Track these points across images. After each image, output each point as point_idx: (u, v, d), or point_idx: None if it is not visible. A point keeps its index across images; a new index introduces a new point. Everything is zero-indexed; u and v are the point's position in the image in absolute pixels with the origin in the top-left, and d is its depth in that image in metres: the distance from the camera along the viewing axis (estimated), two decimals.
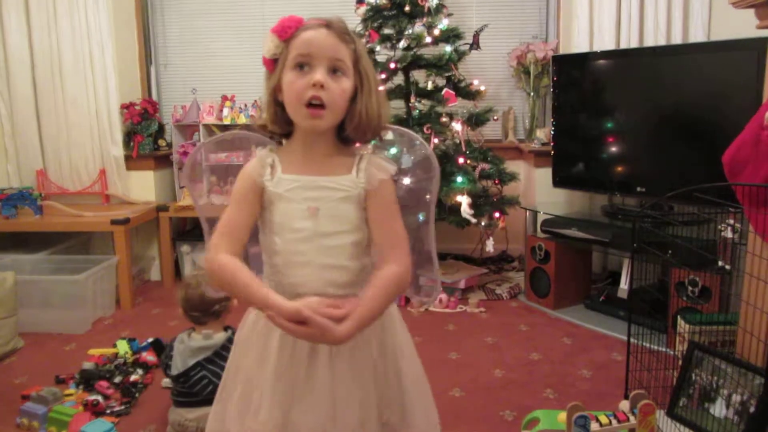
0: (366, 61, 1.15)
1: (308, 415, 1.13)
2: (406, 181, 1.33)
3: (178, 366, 1.88)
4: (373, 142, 1.36)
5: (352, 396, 1.15)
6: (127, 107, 3.50)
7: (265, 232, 1.18)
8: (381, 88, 1.32)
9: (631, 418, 1.55)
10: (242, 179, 1.18)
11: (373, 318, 1.11)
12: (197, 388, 1.85)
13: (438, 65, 3.11)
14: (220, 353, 1.88)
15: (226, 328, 1.97)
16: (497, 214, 3.11)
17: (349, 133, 1.15)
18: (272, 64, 1.14)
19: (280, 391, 1.14)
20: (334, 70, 1.10)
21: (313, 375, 1.14)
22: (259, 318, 1.19)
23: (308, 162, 1.16)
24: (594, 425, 1.52)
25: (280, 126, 1.18)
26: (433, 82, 3.18)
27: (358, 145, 1.21)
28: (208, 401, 1.84)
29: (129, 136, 3.54)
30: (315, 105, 1.09)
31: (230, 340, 1.91)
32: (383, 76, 3.14)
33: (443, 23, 3.13)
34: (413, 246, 1.23)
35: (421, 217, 1.34)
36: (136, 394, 2.18)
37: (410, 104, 3.16)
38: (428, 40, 3.08)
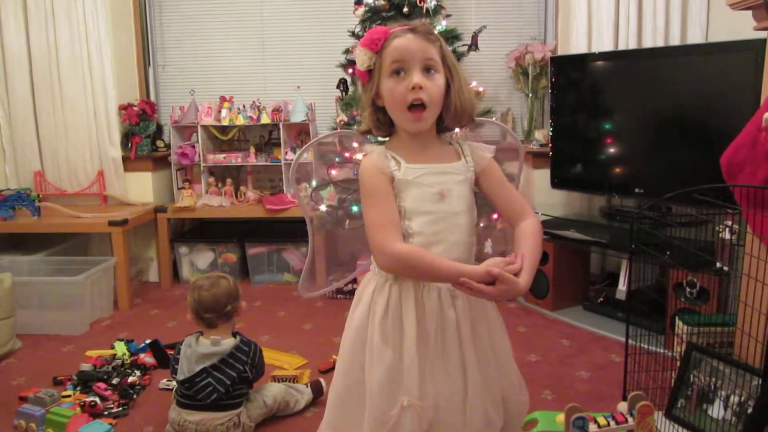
0: (451, 56, 1.26)
1: (442, 386, 1.24)
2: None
3: (184, 371, 1.87)
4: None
5: (480, 365, 1.26)
6: (125, 108, 3.50)
7: None
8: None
9: (630, 419, 1.55)
10: (372, 175, 1.25)
11: (537, 265, 1.24)
12: (202, 394, 1.84)
13: None
14: (227, 360, 1.88)
15: (234, 335, 1.97)
16: (495, 216, 3.10)
17: (447, 123, 1.28)
18: (367, 75, 1.26)
19: (422, 368, 1.23)
20: (427, 69, 1.21)
21: (444, 349, 1.24)
22: (390, 301, 1.26)
23: (424, 153, 1.27)
24: (592, 427, 1.52)
25: (383, 130, 1.30)
26: None
27: (451, 133, 1.35)
28: (211, 407, 1.85)
29: (127, 137, 3.54)
30: (416, 106, 1.20)
31: (238, 348, 1.91)
32: None
33: (442, 24, 3.14)
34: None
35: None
36: (134, 396, 2.17)
37: None
38: None
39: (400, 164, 1.25)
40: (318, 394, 2.12)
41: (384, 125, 1.29)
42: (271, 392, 2.02)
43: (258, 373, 1.99)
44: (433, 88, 1.20)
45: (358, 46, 1.24)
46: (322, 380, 2.15)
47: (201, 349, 1.88)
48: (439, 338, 1.24)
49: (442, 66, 1.23)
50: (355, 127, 1.40)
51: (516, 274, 1.16)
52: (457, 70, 1.25)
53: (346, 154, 1.41)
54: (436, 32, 1.26)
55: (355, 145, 1.40)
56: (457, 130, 1.36)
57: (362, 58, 1.23)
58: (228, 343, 1.91)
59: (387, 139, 1.34)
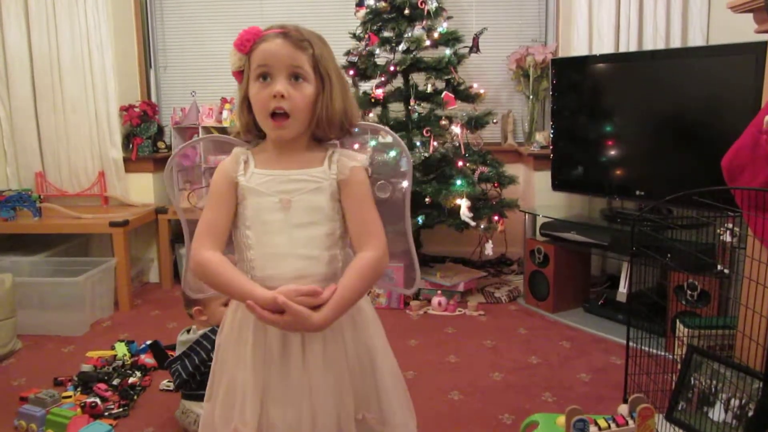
0: (327, 62, 1.17)
1: (285, 410, 1.16)
2: (405, 184, 1.34)
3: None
4: (372, 143, 1.39)
5: (327, 389, 1.18)
6: (126, 109, 3.50)
7: (237, 226, 1.21)
8: (349, 85, 1.35)
9: (630, 422, 1.55)
10: (218, 176, 1.21)
11: (350, 304, 1.15)
12: (173, 380, 1.92)
13: (437, 68, 3.12)
14: (193, 347, 1.92)
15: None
16: (496, 218, 3.11)
17: (316, 133, 1.20)
18: (240, 76, 1.19)
19: (259, 388, 1.17)
20: (295, 77, 1.14)
21: (287, 371, 1.17)
22: (234, 319, 1.22)
23: (281, 159, 1.20)
24: (593, 429, 1.52)
25: (252, 133, 1.23)
26: (433, 85, 3.18)
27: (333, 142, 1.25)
28: (188, 396, 1.91)
29: (128, 139, 3.54)
30: (278, 114, 1.13)
31: (205, 335, 1.93)
32: (383, 78, 3.14)
33: (443, 26, 3.14)
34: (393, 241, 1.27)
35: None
36: (135, 397, 2.17)
37: (410, 107, 3.16)
38: (428, 43, 3.09)
39: (249, 169, 1.19)
40: None
41: (254, 129, 1.21)
42: None
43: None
44: (297, 97, 1.13)
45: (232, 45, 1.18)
46: None
47: (181, 338, 2.00)
48: (283, 360, 1.17)
49: (314, 74, 1.15)
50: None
51: (317, 307, 1.09)
52: (331, 79, 1.16)
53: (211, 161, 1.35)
54: (313, 36, 1.17)
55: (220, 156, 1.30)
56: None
57: (233, 59, 1.17)
58: (200, 332, 1.95)
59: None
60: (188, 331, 2.02)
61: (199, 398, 1.86)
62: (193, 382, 1.89)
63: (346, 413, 1.20)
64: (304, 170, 1.18)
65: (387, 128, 1.38)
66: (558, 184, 3.13)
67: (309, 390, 1.17)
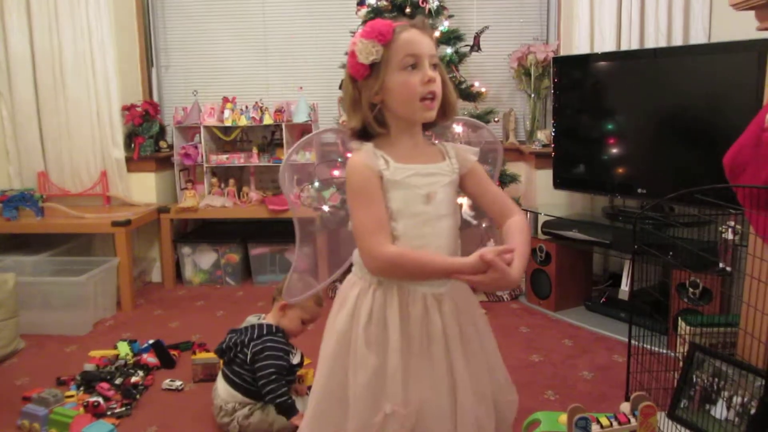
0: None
1: (429, 392, 1.22)
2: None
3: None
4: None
5: (467, 371, 1.24)
6: (128, 109, 3.51)
7: None
8: None
9: (632, 419, 1.55)
10: (361, 174, 1.22)
11: (527, 259, 1.24)
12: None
13: None
14: (245, 328, 1.99)
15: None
16: None
17: (438, 119, 1.27)
18: (369, 69, 1.20)
19: (410, 371, 1.22)
20: (433, 65, 1.21)
21: (430, 354, 1.23)
22: (371, 312, 1.24)
23: (410, 153, 1.26)
24: (595, 427, 1.52)
25: (379, 127, 1.25)
26: None
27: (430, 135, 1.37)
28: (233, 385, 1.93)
29: (130, 138, 3.54)
30: (429, 98, 1.20)
31: (254, 325, 1.99)
32: None
33: (444, 25, 3.14)
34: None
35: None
36: (137, 396, 2.18)
37: None
38: None
39: (389, 163, 1.22)
40: None
41: (379, 123, 1.25)
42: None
43: (256, 367, 1.91)
44: (439, 83, 1.21)
45: (358, 38, 1.19)
46: None
47: (251, 319, 2.09)
48: (424, 344, 1.23)
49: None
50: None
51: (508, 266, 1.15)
52: (444, 69, 1.26)
53: (349, 154, 1.37)
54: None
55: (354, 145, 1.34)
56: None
57: (368, 50, 1.18)
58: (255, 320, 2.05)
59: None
60: (258, 318, 2.08)
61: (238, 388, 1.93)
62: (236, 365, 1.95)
63: (485, 395, 1.27)
64: (435, 164, 1.27)
65: (487, 127, 1.56)
66: (560, 183, 3.13)
67: (451, 373, 1.23)
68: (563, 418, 1.60)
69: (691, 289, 2.35)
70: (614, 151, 2.90)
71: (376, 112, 1.23)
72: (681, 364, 1.89)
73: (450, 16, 3.22)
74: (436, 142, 1.33)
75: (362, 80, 1.22)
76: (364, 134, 1.27)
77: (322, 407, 1.30)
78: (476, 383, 1.26)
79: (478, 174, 1.32)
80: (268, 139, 3.68)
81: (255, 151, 3.51)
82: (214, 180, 3.57)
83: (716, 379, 1.75)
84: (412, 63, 1.19)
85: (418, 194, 1.22)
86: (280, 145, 3.53)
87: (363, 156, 1.22)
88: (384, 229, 1.20)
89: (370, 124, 1.23)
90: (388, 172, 1.21)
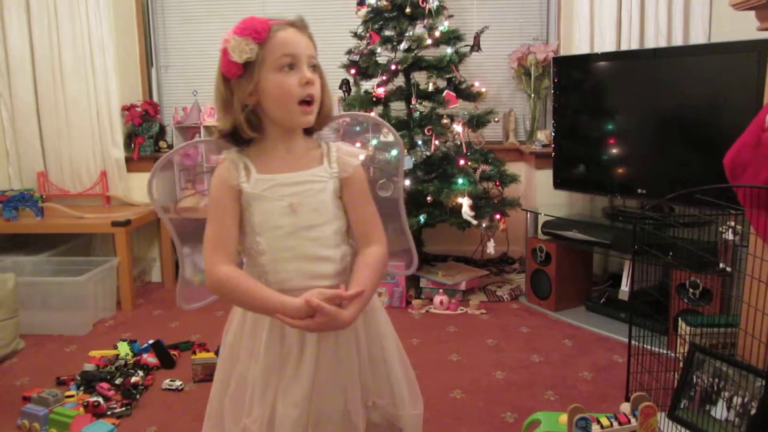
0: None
1: (292, 408, 1.16)
2: (407, 182, 1.37)
3: None
4: (374, 142, 1.40)
5: (336, 384, 1.19)
6: (127, 109, 3.51)
7: (246, 233, 1.19)
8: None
9: (632, 420, 1.55)
10: (218, 186, 1.18)
11: (370, 297, 1.18)
12: None
13: (439, 67, 3.12)
14: None
15: None
16: (498, 216, 3.11)
17: (315, 125, 1.20)
18: (242, 68, 1.13)
19: (271, 386, 1.17)
20: (312, 67, 1.15)
21: (301, 367, 1.17)
22: (245, 319, 1.22)
23: (282, 159, 1.19)
24: (595, 427, 1.52)
25: (253, 130, 1.17)
26: (434, 83, 3.18)
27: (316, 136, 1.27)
28: None
29: (130, 138, 3.55)
30: (307, 102, 1.14)
31: None
32: (384, 77, 3.14)
33: (444, 25, 3.14)
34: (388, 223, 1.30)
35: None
36: (137, 396, 2.17)
37: (411, 106, 3.16)
38: (429, 41, 3.08)
39: (251, 174, 1.16)
40: None
41: (254, 126, 1.17)
42: None
43: None
44: (317, 85, 1.15)
45: (231, 35, 1.12)
46: None
47: None
48: (298, 358, 1.17)
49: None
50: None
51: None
52: (323, 72, 1.19)
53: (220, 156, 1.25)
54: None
55: (220, 156, 1.25)
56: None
57: (242, 48, 1.11)
58: None
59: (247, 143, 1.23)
60: None
61: None
62: None
63: (354, 400, 1.21)
64: (307, 171, 1.18)
65: (387, 124, 1.41)
66: (560, 183, 3.13)
67: (318, 387, 1.17)
68: (563, 418, 1.60)
69: (691, 290, 2.35)
70: (614, 151, 2.90)
71: (249, 114, 1.16)
72: (681, 364, 1.89)
73: (450, 16, 3.22)
74: (323, 142, 1.24)
75: (235, 80, 1.15)
76: (235, 137, 1.20)
77: (213, 419, 1.27)
78: (346, 394, 1.20)
79: (355, 186, 1.21)
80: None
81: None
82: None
83: (716, 380, 1.75)
84: (289, 63, 1.12)
85: (279, 206, 1.15)
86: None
87: (223, 170, 1.17)
88: (224, 248, 1.14)
89: (242, 126, 1.16)
90: (247, 186, 1.15)
